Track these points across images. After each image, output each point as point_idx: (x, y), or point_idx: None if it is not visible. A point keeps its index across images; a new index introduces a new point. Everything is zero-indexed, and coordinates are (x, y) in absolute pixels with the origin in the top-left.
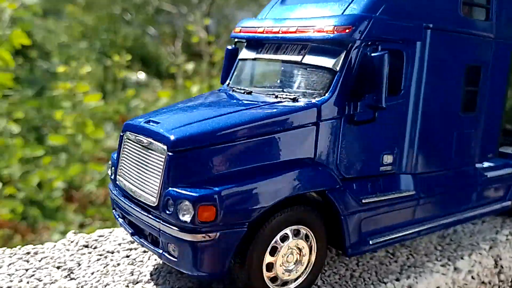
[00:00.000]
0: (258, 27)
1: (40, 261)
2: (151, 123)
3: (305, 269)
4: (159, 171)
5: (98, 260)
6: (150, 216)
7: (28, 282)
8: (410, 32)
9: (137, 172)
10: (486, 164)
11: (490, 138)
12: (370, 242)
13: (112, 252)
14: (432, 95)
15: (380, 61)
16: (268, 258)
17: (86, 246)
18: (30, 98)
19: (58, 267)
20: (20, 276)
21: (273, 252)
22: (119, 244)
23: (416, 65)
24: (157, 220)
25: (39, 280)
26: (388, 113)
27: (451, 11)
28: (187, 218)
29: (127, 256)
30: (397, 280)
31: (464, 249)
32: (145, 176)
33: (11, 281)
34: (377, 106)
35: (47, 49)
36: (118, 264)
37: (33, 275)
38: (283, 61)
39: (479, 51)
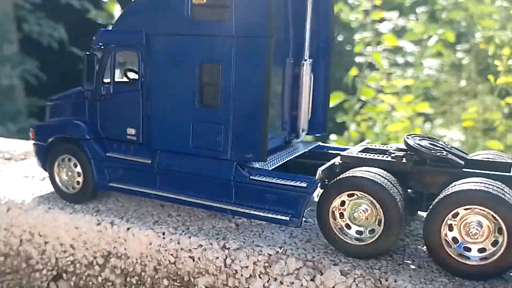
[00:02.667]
0: None
1: None
2: None
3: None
4: None
5: None
6: None
7: None
8: (133, 38)
9: None
10: (255, 166)
11: (245, 136)
12: (110, 184)
13: None
14: (161, 87)
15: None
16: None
17: None
18: None
19: None
20: None
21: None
22: None
23: (144, 62)
24: None
25: None
26: (127, 96)
27: (177, 16)
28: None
29: None
30: (121, 219)
31: (217, 236)
32: None
33: None
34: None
35: None
36: None
37: None
38: None
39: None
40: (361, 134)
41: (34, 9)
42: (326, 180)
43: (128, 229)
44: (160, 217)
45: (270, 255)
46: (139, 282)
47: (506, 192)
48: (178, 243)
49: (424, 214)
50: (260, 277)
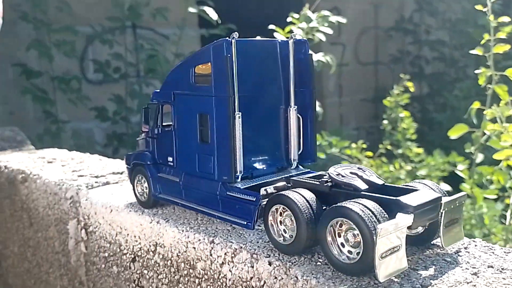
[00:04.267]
0: None
1: None
2: None
3: None
4: None
5: None
6: None
7: None
8: (168, 96)
9: None
10: (233, 185)
11: (223, 164)
12: (160, 195)
13: None
14: (181, 130)
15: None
16: None
17: None
18: None
19: None
20: None
21: None
22: None
23: (172, 113)
24: None
25: None
26: (167, 135)
27: (187, 82)
28: None
29: None
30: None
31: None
32: None
33: None
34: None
35: None
36: None
37: None
38: None
39: (205, 104)
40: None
41: None
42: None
43: (165, 226)
44: (186, 219)
45: (236, 248)
46: (170, 264)
47: (372, 210)
48: (188, 237)
49: None
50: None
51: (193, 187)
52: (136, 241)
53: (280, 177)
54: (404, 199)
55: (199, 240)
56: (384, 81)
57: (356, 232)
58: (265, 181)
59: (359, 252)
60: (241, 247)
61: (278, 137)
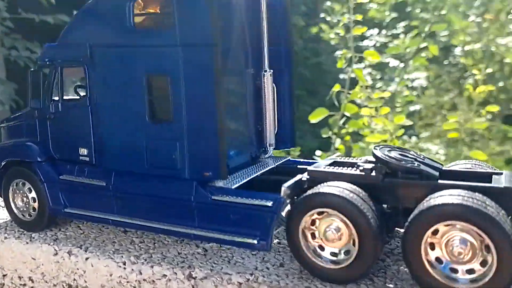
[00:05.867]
0: None
1: None
2: None
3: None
4: None
5: None
6: None
7: None
8: (78, 52)
9: None
10: (217, 185)
11: (202, 152)
12: (66, 210)
13: None
14: (107, 103)
15: (28, 75)
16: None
17: None
18: None
19: None
20: None
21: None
22: None
23: (88, 78)
24: None
25: None
26: (76, 114)
27: (120, 26)
28: None
29: None
30: (80, 248)
31: (183, 263)
32: None
33: None
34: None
35: None
36: None
37: None
38: None
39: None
40: (348, 148)
41: (10, 31)
42: (294, 197)
43: (86, 259)
44: (121, 245)
45: (240, 283)
46: None
47: (487, 204)
48: (140, 273)
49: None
50: None
51: (137, 193)
52: (24, 284)
53: (269, 168)
54: None
55: (165, 275)
56: None
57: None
58: (253, 175)
59: (485, 273)
60: (249, 280)
61: (249, 114)
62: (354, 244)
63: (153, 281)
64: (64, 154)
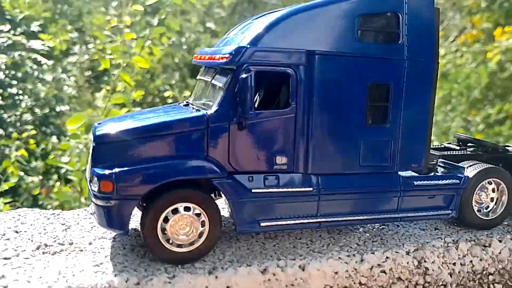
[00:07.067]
0: (199, 55)
1: None
2: (98, 126)
3: (199, 238)
4: (91, 158)
5: None
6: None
7: None
8: (292, 57)
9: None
10: (413, 174)
11: (412, 149)
12: (262, 225)
13: None
14: (324, 109)
15: (244, 81)
16: (161, 224)
17: None
18: None
19: None
20: None
21: (167, 220)
22: None
23: (302, 84)
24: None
25: None
26: (273, 123)
27: (345, 37)
28: (95, 188)
29: None
30: (293, 259)
31: (382, 246)
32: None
33: None
34: (244, 116)
35: None
36: None
37: None
38: (205, 81)
39: (385, 70)
40: None
41: None
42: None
43: (303, 267)
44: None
45: (439, 246)
46: None
47: None
48: (368, 262)
49: None
50: (442, 266)
51: (346, 191)
52: None
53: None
54: None
55: (387, 257)
56: None
57: None
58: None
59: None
60: (447, 242)
61: None
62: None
63: (379, 264)
64: (249, 166)
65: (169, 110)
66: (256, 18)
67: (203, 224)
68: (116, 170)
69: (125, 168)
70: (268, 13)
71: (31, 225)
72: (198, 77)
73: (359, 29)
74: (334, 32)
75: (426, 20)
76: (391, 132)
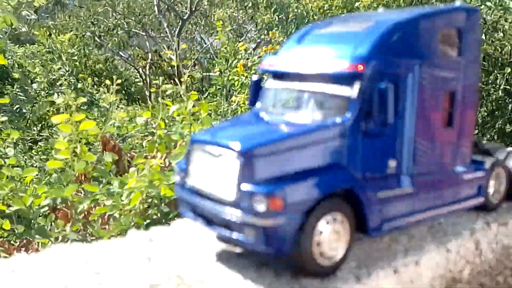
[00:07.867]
0: (283, 63)
1: None
2: (220, 137)
3: (344, 246)
4: (234, 174)
5: None
6: (226, 208)
7: None
8: (404, 67)
9: (211, 176)
10: (461, 168)
11: (464, 147)
12: (385, 227)
13: None
14: (422, 114)
15: (386, 90)
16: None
17: None
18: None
19: None
20: None
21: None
22: None
23: (409, 92)
24: (234, 211)
25: None
26: (390, 129)
27: (431, 50)
28: (261, 208)
29: None
30: (405, 257)
31: (450, 235)
32: (220, 178)
33: None
34: (387, 123)
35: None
36: None
37: None
38: (306, 91)
39: (453, 80)
40: None
41: None
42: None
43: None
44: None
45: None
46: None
47: None
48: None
49: None
50: None
51: (430, 187)
52: None
53: None
54: None
55: None
56: None
57: None
58: None
59: None
60: None
61: None
62: None
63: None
64: (372, 171)
65: (271, 119)
66: (354, 20)
67: (347, 233)
68: (284, 184)
69: (291, 182)
70: (362, 15)
71: None
72: (271, 86)
73: (439, 42)
74: (431, 43)
75: (476, 36)
76: (453, 134)
